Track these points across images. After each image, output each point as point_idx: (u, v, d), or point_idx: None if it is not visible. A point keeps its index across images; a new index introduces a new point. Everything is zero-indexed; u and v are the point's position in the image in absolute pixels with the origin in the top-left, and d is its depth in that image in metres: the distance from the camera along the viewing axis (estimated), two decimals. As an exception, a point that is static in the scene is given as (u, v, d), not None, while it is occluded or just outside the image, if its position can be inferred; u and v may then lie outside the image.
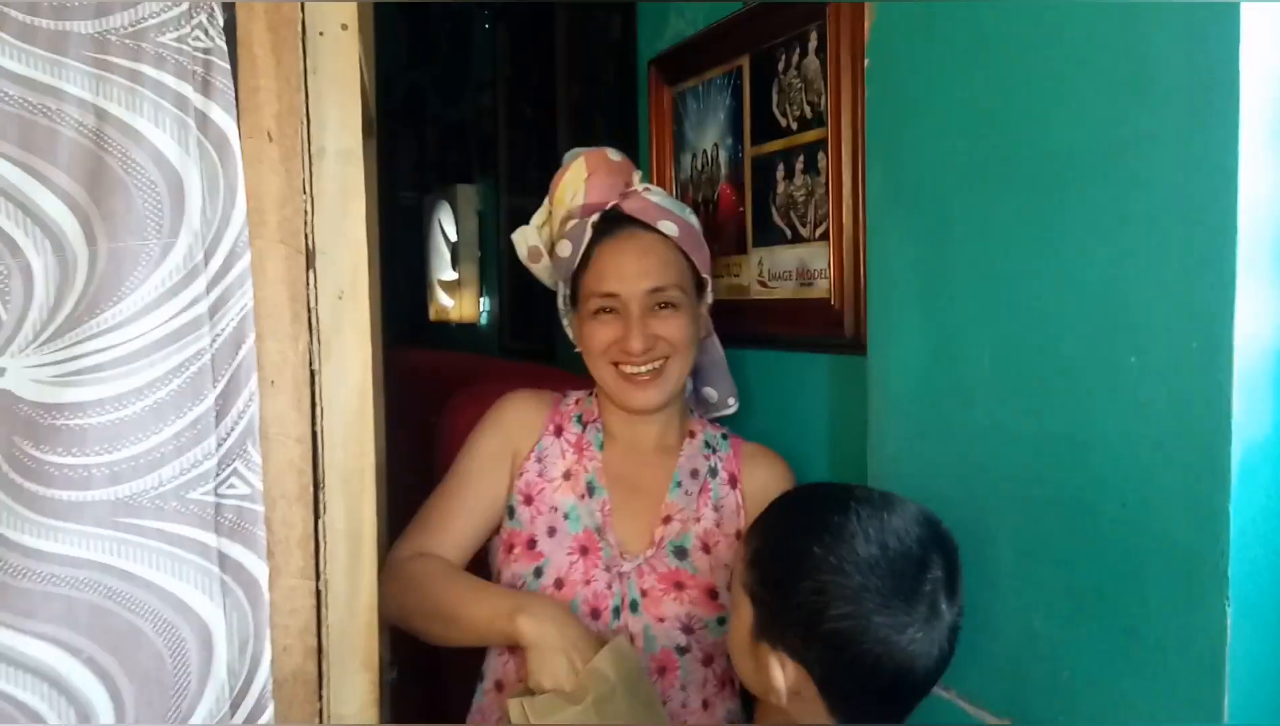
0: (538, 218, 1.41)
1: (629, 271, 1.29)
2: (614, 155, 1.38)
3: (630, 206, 1.33)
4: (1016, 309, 0.95)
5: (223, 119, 0.83)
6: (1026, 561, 0.95)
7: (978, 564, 0.99)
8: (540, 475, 1.32)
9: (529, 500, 1.32)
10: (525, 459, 1.34)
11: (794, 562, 0.90)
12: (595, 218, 1.33)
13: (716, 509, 1.33)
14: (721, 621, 1.28)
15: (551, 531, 1.30)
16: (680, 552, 1.29)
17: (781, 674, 0.90)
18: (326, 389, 0.91)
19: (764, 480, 1.33)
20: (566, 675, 1.11)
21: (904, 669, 0.88)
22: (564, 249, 1.34)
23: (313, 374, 0.91)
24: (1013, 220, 0.95)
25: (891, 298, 1.11)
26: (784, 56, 1.40)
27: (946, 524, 1.02)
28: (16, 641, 0.77)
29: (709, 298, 1.39)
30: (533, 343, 2.45)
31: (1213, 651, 0.79)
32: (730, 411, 1.46)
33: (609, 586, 1.27)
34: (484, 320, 2.81)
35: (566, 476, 1.33)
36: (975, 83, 0.99)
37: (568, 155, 1.41)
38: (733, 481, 1.35)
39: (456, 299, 2.95)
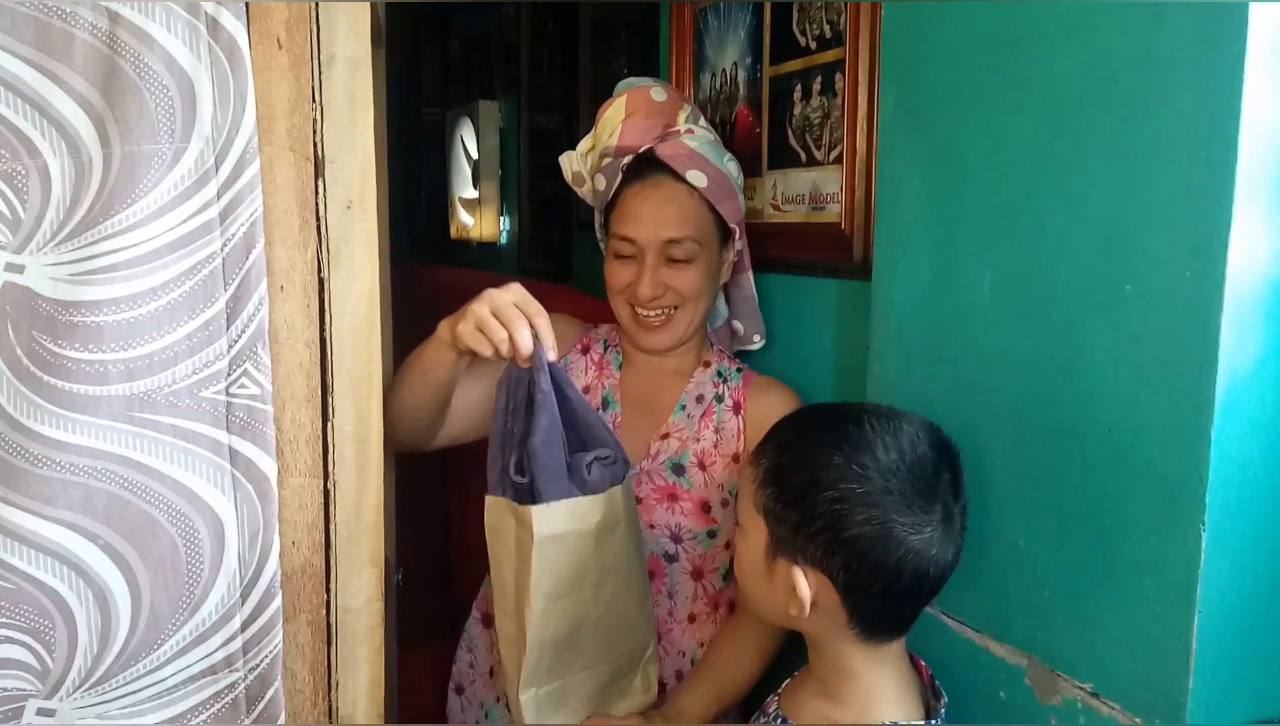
0: (584, 145, 1.43)
1: (648, 219, 1.31)
2: (658, 94, 1.37)
3: (664, 151, 1.33)
4: (1020, 234, 0.96)
5: (233, 24, 0.84)
6: (1015, 483, 0.97)
7: (969, 485, 1.01)
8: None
9: None
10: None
11: (814, 473, 0.91)
12: (627, 160, 1.34)
13: (717, 431, 1.36)
14: (711, 534, 1.31)
15: None
16: (677, 468, 1.33)
17: (805, 584, 0.92)
18: (335, 295, 0.94)
19: (768, 407, 1.35)
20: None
21: (923, 569, 0.90)
22: (599, 183, 1.37)
23: (321, 281, 0.93)
24: (1021, 145, 0.95)
25: (899, 221, 1.11)
26: (804, -26, 1.38)
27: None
28: (39, 526, 0.81)
29: (736, 244, 1.39)
30: (550, 262, 2.46)
31: (1185, 575, 0.81)
32: (755, 347, 1.48)
33: None
34: (504, 239, 2.82)
35: (586, 391, 1.36)
36: (989, 4, 0.98)
37: (618, 87, 1.41)
38: (736, 408, 1.38)
39: (477, 217, 2.96)
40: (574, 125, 2.24)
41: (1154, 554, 0.84)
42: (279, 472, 0.89)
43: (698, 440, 1.35)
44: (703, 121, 1.40)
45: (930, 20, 1.05)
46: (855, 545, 0.89)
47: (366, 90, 0.95)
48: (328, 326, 0.94)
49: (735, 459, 1.35)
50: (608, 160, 1.36)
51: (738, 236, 1.39)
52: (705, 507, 1.31)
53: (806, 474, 0.92)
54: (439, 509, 2.09)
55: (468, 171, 3.00)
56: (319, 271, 0.93)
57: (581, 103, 2.22)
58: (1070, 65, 0.89)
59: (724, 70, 1.59)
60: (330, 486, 0.95)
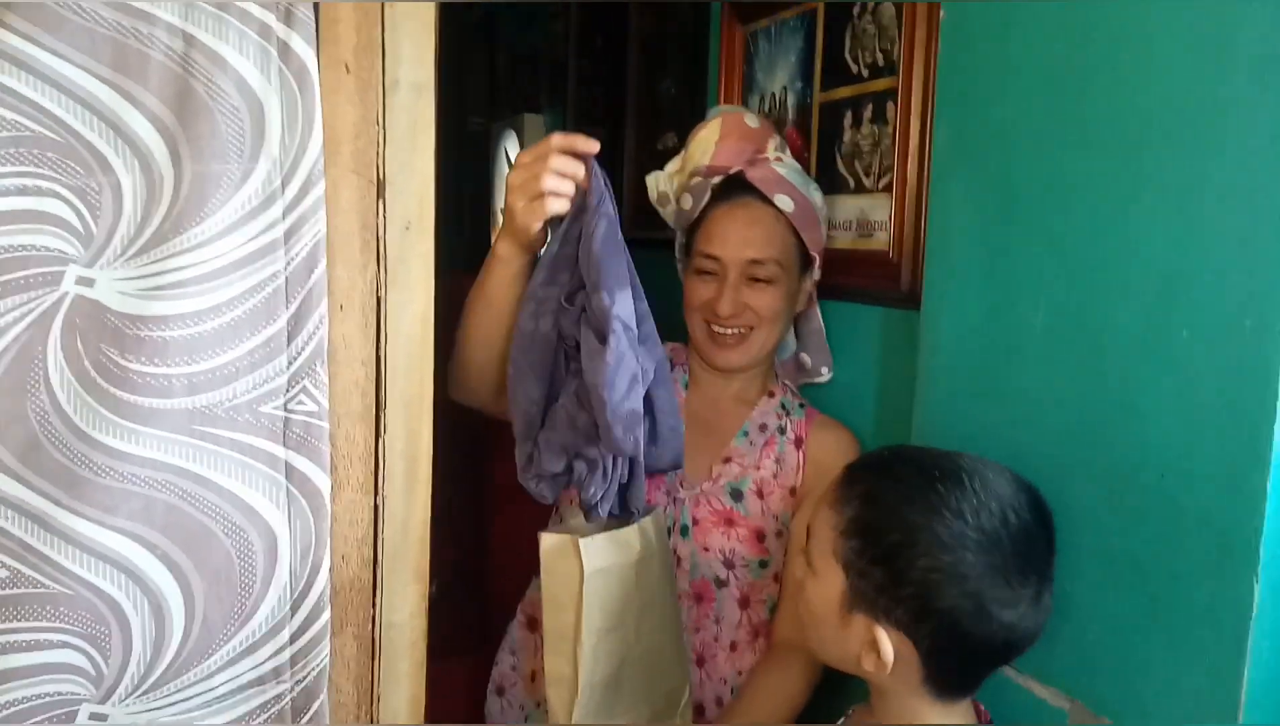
0: (672, 165, 1.45)
1: (733, 238, 1.33)
2: (751, 120, 1.40)
3: (753, 175, 1.35)
4: (1075, 273, 0.95)
5: (303, 49, 0.86)
6: (1063, 524, 0.96)
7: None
8: None
9: None
10: None
11: (908, 535, 0.87)
12: (717, 180, 1.36)
13: (778, 462, 1.36)
14: (763, 564, 1.32)
15: None
16: (736, 494, 1.33)
17: (889, 644, 0.88)
18: (391, 315, 0.95)
19: (829, 445, 1.36)
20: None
21: (1013, 640, 0.88)
22: (686, 202, 1.39)
23: (379, 301, 0.95)
24: (1080, 183, 0.94)
25: (950, 254, 1.11)
26: (859, 1, 1.38)
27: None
28: (99, 534, 0.83)
29: (815, 273, 1.41)
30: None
31: (1237, 625, 0.81)
32: (823, 380, 1.48)
33: (664, 509, 1.32)
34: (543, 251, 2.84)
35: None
36: (1052, 39, 0.97)
37: (711, 111, 1.44)
38: (798, 442, 1.38)
39: (519, 227, 2.98)
40: (620, 141, 2.25)
41: (1205, 603, 0.83)
42: (332, 488, 0.91)
43: (758, 468, 1.35)
44: (788, 153, 1.42)
45: (989, 53, 1.05)
46: (946, 617, 0.86)
47: (428, 115, 0.96)
48: (383, 346, 0.95)
49: (792, 492, 1.36)
50: (697, 179, 1.38)
51: (817, 265, 1.40)
52: (760, 536, 1.32)
53: (899, 534, 0.87)
54: (472, 517, 2.11)
55: (511, 183, 3.02)
56: (377, 291, 0.94)
57: (628, 119, 2.23)
58: (1136, 105, 0.89)
59: (773, 94, 1.60)
60: (380, 502, 0.96)
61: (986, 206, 1.06)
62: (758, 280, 1.33)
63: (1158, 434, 0.87)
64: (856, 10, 1.39)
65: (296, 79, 0.86)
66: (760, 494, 1.34)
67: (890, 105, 1.32)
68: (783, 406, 1.41)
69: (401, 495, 0.97)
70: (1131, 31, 0.89)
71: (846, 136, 1.42)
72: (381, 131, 0.93)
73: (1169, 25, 0.86)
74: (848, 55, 1.41)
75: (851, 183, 1.41)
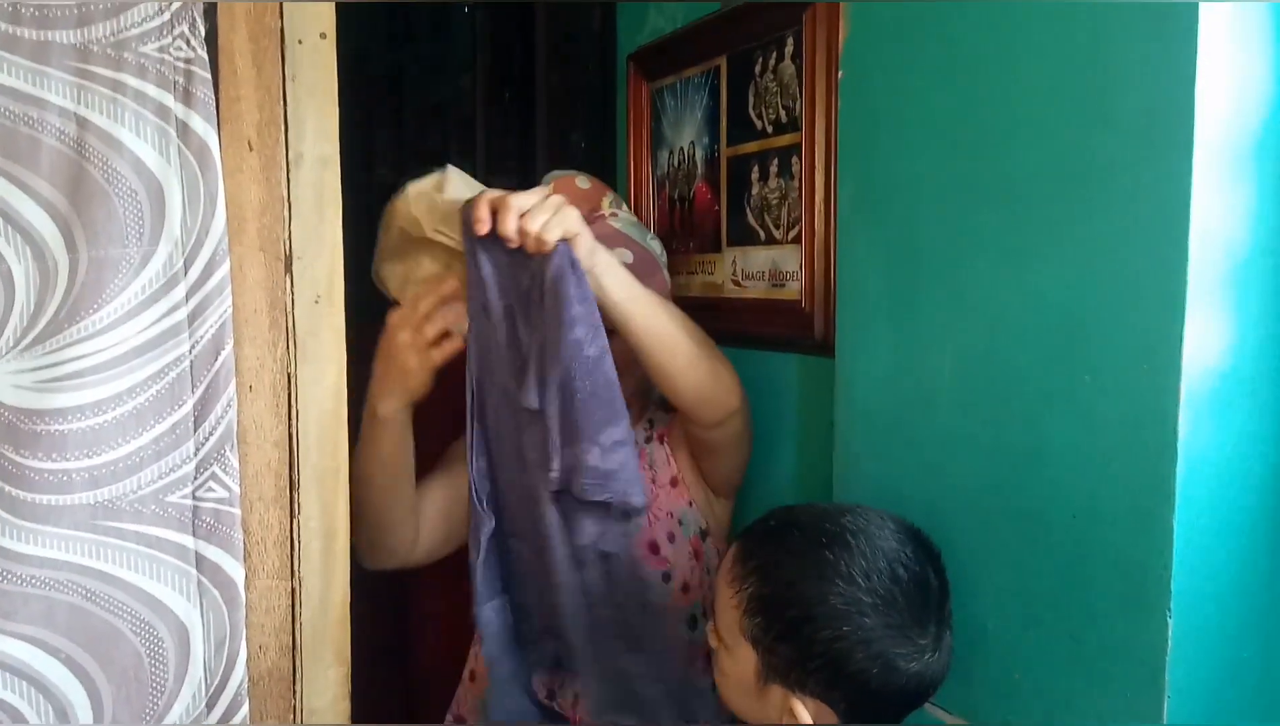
0: None
1: None
2: (583, 182, 1.41)
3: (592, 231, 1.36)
4: (978, 322, 0.98)
5: (203, 128, 0.84)
6: (981, 566, 0.98)
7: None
8: None
9: None
10: None
11: (805, 609, 0.89)
12: None
13: (651, 466, 1.37)
14: (666, 578, 1.31)
15: None
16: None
17: (806, 713, 0.90)
18: (303, 392, 0.93)
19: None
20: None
21: (924, 686, 0.91)
22: None
23: (289, 377, 0.92)
24: (977, 236, 0.98)
25: (860, 305, 1.14)
26: (760, 59, 1.42)
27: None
28: (-3, 641, 0.79)
29: None
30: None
31: (1154, 659, 0.83)
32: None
33: None
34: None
35: None
36: (945, 99, 1.01)
37: (546, 177, 1.44)
38: (662, 438, 1.40)
39: (433, 281, 2.95)
40: (531, 194, 2.25)
41: (1122, 639, 0.86)
42: (246, 575, 0.88)
43: None
44: (625, 207, 1.43)
45: (888, 111, 1.09)
46: (856, 680, 0.88)
47: (334, 187, 0.95)
48: (294, 423, 0.93)
49: (674, 483, 1.36)
50: None
51: None
52: (654, 549, 1.31)
53: (797, 609, 0.89)
54: (390, 586, 2.06)
55: (422, 236, 3.00)
56: (287, 368, 0.92)
57: (538, 171, 2.23)
58: (1024, 164, 0.93)
59: (681, 148, 1.62)
60: (296, 585, 0.94)
61: (892, 258, 1.09)
62: (610, 332, 1.34)
63: (1067, 476, 0.90)
64: (758, 69, 1.42)
65: (197, 158, 0.85)
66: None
67: (795, 159, 1.35)
68: (649, 422, 1.43)
69: (319, 575, 0.95)
70: (1021, 93, 0.93)
71: (754, 190, 1.44)
72: (287, 207, 0.92)
73: (1056, 87, 0.90)
74: (751, 111, 1.44)
75: (762, 234, 1.43)
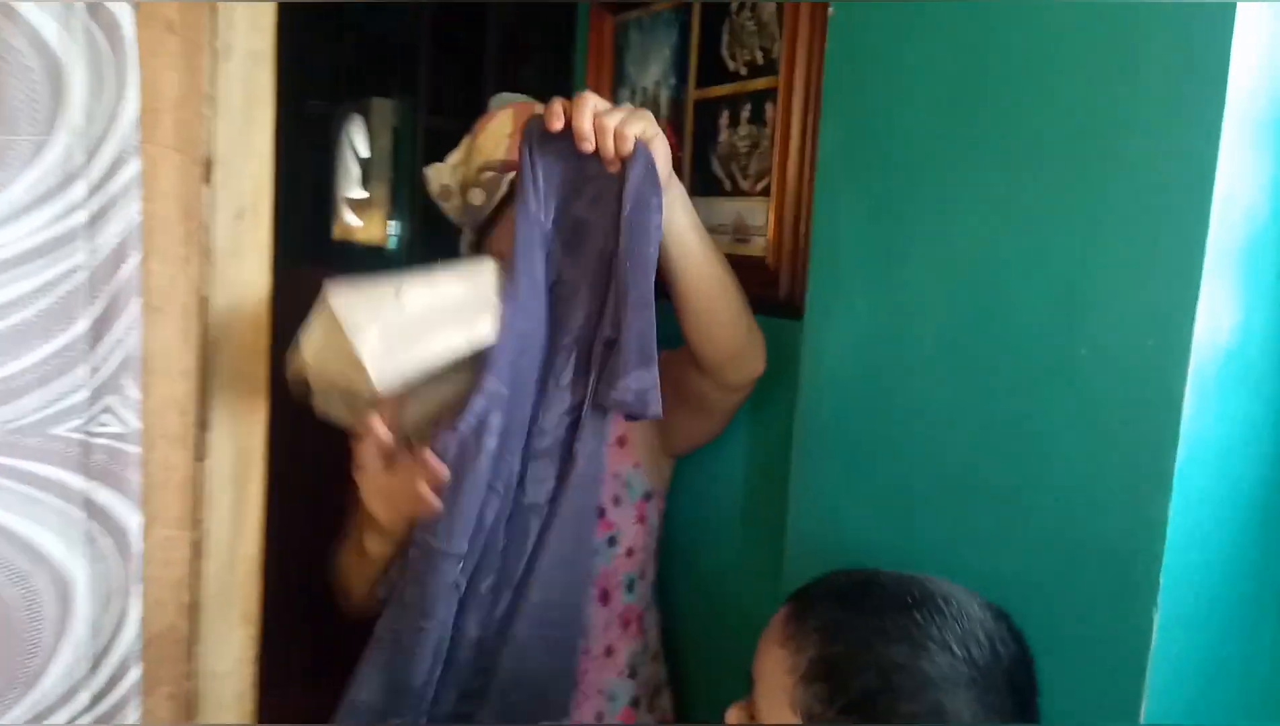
0: (454, 156, 1.33)
1: None
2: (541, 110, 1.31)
3: None
4: (970, 288, 0.91)
5: (116, 3, 0.72)
6: (952, 548, 0.92)
7: (902, 548, 0.96)
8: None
9: None
10: None
11: (886, 679, 0.71)
12: (512, 176, 1.26)
13: None
14: (612, 542, 1.23)
15: None
16: None
17: None
18: (218, 318, 0.82)
19: None
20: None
21: None
22: (476, 197, 1.27)
23: (203, 301, 0.81)
24: (976, 196, 0.90)
25: (837, 264, 1.06)
26: (738, -4, 1.32)
27: (875, 504, 0.99)
28: None
29: None
30: (444, 273, 2.34)
31: (1136, 654, 0.78)
32: None
33: None
34: (393, 244, 2.68)
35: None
36: (948, 42, 0.93)
37: (495, 100, 1.33)
38: None
39: (364, 219, 2.81)
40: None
41: (1103, 632, 0.80)
42: (143, 523, 0.77)
43: None
44: None
45: (882, 54, 1.00)
46: None
47: (266, 87, 0.84)
48: (208, 354, 0.82)
49: (620, 442, 1.28)
50: (489, 174, 1.27)
51: None
52: (599, 512, 1.23)
53: (874, 676, 0.71)
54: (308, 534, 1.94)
55: (356, 171, 2.85)
56: (201, 290, 0.81)
57: (486, 108, 2.11)
58: (1036, 116, 0.85)
59: (645, 88, 1.52)
60: (201, 536, 0.83)
61: (876, 215, 1.01)
62: None
63: (1056, 456, 0.84)
64: (734, 6, 1.33)
65: (107, 36, 0.72)
66: None
67: (769, 105, 1.26)
68: None
69: (227, 526, 0.84)
70: (1034, 41, 0.85)
71: (723, 136, 1.35)
72: (211, 103, 0.80)
73: (1074, 37, 0.82)
74: (725, 52, 1.35)
75: (728, 184, 1.35)
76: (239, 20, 0.81)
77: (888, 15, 0.99)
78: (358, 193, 2.83)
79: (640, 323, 0.95)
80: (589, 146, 0.93)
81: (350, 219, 2.91)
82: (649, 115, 0.95)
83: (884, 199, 1.00)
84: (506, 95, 1.36)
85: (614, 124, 0.92)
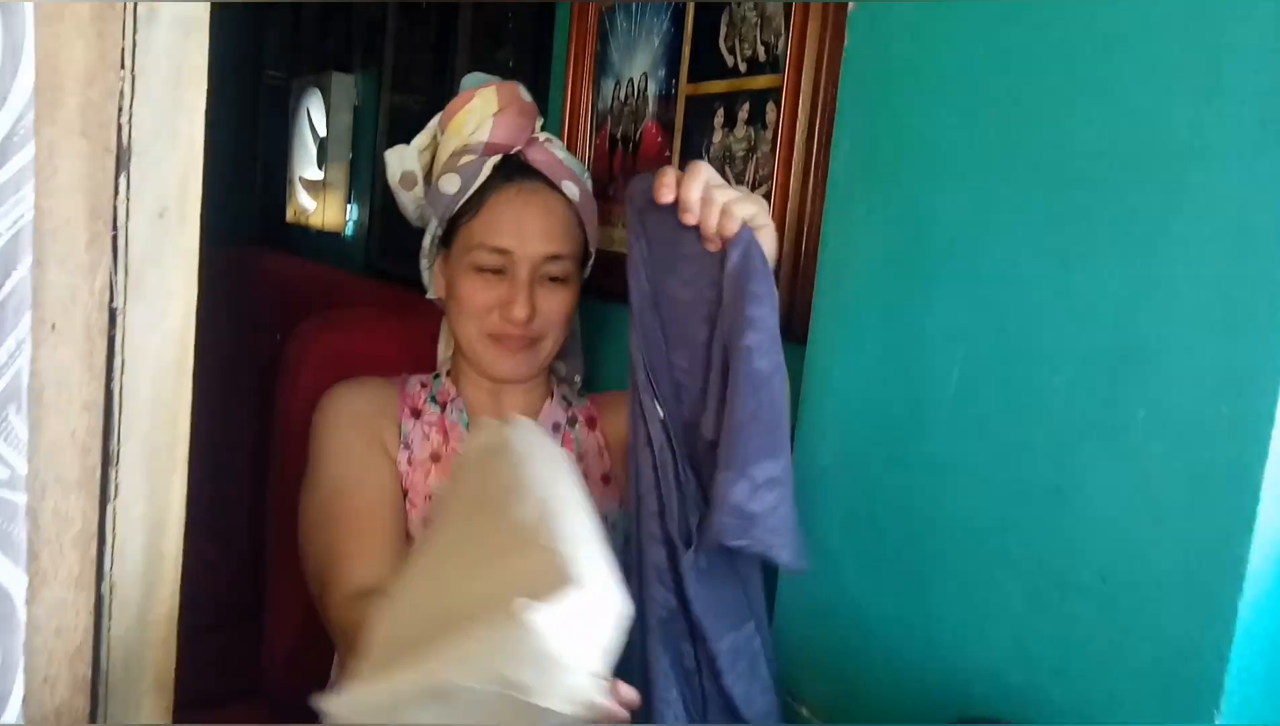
0: (421, 140, 1.22)
1: (530, 230, 1.13)
2: (524, 94, 1.20)
3: (535, 157, 1.17)
4: (1002, 327, 0.80)
5: (6, -51, 0.59)
6: (973, 625, 0.82)
7: (913, 620, 0.86)
8: (409, 463, 1.13)
9: (405, 494, 1.13)
10: (396, 451, 1.15)
11: None
12: (496, 159, 1.15)
13: (581, 457, 1.20)
14: None
15: (428, 523, 1.11)
16: None
17: None
18: (133, 336, 0.69)
19: (625, 414, 1.20)
20: None
21: None
22: (449, 184, 1.15)
23: (113, 314, 0.68)
24: (1015, 223, 0.80)
25: (847, 289, 0.95)
26: (739, -17, 1.20)
27: (881, 564, 0.89)
28: None
29: (586, 272, 1.24)
30: (406, 264, 2.20)
31: (1188, 766, 0.68)
32: (575, 387, 1.32)
33: None
34: (349, 230, 2.53)
35: (435, 458, 1.14)
36: (988, 46, 0.82)
37: (469, 79, 1.22)
38: (591, 423, 1.24)
39: (319, 202, 2.65)
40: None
41: (1153, 737, 0.70)
42: (30, 586, 0.63)
43: None
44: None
45: (910, 56, 0.89)
46: None
47: (198, 60, 0.70)
48: (116, 377, 0.68)
49: (605, 480, 1.21)
50: (469, 158, 1.15)
51: (590, 263, 1.24)
52: None
53: None
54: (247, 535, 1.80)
55: (312, 149, 2.69)
56: (111, 302, 0.68)
57: (456, 87, 1.97)
58: (1088, 138, 0.75)
59: (631, 80, 1.40)
60: (106, 593, 0.70)
61: (895, 235, 0.90)
62: (553, 278, 1.15)
63: (1100, 530, 0.73)
64: (735, -7, 1.21)
65: (-6, -8, 0.59)
66: None
67: (771, 106, 1.15)
68: (564, 399, 1.26)
69: (138, 581, 0.71)
70: (1094, 44, 0.75)
71: (716, 137, 1.23)
72: (129, 79, 0.67)
73: (1146, 45, 0.72)
74: (722, 44, 1.23)
75: (719, 190, 1.23)
76: (168, -20, 0.67)
77: (918, 12, 0.88)
78: (313, 173, 2.67)
79: (746, 437, 0.82)
80: (692, 218, 0.84)
81: (305, 201, 2.75)
82: (763, 202, 0.87)
83: (904, 218, 0.89)
84: (479, 74, 1.24)
85: (724, 200, 0.84)
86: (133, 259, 0.68)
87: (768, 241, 0.86)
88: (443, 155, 1.20)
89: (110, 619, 0.70)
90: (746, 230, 0.84)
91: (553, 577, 0.61)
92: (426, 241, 1.22)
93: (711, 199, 0.84)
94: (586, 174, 1.23)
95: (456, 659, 0.59)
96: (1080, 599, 0.74)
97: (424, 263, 1.24)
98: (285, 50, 3.11)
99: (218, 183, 0.81)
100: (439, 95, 2.03)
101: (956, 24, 0.85)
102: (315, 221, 2.68)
